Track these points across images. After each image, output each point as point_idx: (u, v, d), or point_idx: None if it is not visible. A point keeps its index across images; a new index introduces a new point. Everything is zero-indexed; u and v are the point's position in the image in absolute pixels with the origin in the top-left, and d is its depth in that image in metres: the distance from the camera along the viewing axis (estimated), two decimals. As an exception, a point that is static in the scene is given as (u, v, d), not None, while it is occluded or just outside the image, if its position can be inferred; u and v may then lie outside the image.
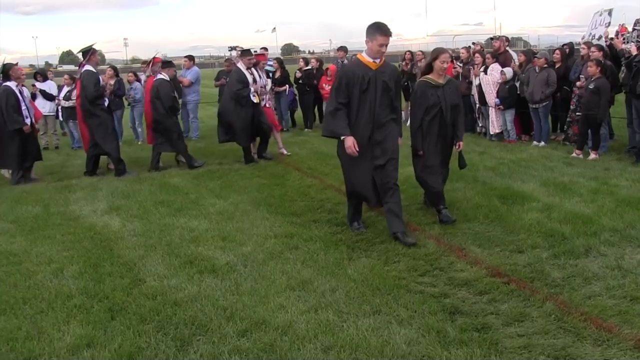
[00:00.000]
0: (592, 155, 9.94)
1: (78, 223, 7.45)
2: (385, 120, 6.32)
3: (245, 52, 11.38)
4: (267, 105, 11.89)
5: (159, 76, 10.79)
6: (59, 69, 67.83)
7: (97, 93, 10.00)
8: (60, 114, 14.26)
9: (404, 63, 16.09)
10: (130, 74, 14.56)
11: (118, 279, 5.49)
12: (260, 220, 7.16)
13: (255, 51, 12.45)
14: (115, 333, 4.39)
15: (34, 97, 13.66)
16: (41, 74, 15.02)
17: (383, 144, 6.29)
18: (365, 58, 6.30)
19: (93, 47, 10.33)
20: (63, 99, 13.91)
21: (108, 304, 4.92)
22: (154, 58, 11.88)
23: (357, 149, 6.09)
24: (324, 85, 15.02)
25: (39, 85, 14.32)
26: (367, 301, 4.76)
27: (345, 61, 15.38)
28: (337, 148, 6.45)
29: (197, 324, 4.50)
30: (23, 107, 10.04)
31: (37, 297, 5.12)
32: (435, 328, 4.24)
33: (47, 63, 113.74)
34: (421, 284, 5.11)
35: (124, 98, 14.31)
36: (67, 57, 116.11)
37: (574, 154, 10.19)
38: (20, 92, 10.14)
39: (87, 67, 10.10)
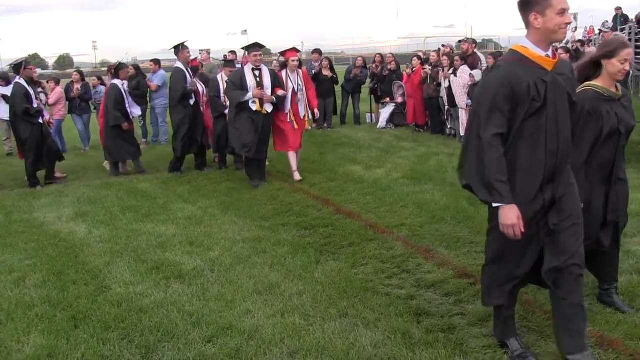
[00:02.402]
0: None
1: (42, 230, 7.32)
2: (567, 160, 3.66)
3: (252, 47, 9.35)
4: (293, 119, 9.54)
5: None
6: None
7: (184, 91, 10.09)
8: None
9: (374, 65, 16.17)
10: (94, 78, 14.38)
11: (83, 286, 5.40)
12: (228, 225, 7.12)
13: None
14: (79, 342, 4.32)
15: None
16: (3, 78, 14.65)
17: (561, 205, 3.61)
18: (534, 51, 3.50)
19: (183, 43, 10.48)
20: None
21: (72, 312, 4.83)
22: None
23: (522, 229, 3.48)
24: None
25: (1, 90, 13.99)
26: (334, 304, 4.74)
27: (315, 64, 15.36)
28: (489, 215, 3.87)
29: (163, 331, 4.44)
30: None
31: (-5, 308, 5.01)
32: (401, 330, 4.24)
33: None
34: (388, 286, 5.12)
35: (90, 102, 14.11)
36: (33, 60, 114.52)
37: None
38: None
39: (177, 64, 10.35)
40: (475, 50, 13.51)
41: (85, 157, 13.02)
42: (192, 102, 10.21)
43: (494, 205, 3.54)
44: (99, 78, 14.32)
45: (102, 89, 14.05)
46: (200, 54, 18.47)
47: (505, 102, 3.43)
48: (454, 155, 10.78)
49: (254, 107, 8.94)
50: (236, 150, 9.27)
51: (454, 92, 12.15)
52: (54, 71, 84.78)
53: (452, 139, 12.75)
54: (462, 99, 12.01)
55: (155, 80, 14.26)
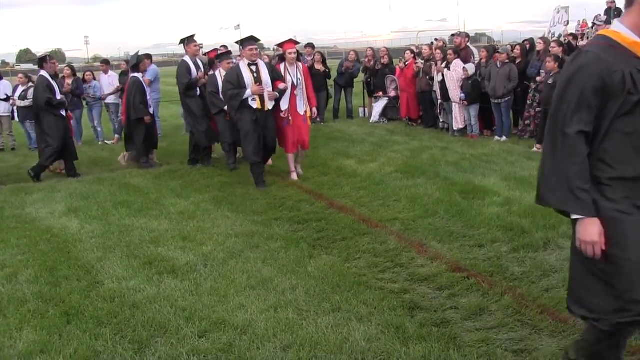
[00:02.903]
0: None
1: (34, 226, 7.29)
2: None
3: (246, 41, 8.98)
4: (303, 116, 9.15)
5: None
6: (16, 67, 66.36)
7: (188, 82, 10.17)
8: (16, 114, 13.92)
9: (366, 59, 16.15)
10: (88, 73, 14.31)
11: (75, 282, 5.39)
12: (221, 220, 7.10)
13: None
14: (71, 338, 4.31)
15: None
16: (-4, 74, 14.64)
17: None
18: (628, 36, 2.94)
19: (191, 36, 10.57)
20: (18, 99, 13.56)
21: (64, 308, 4.82)
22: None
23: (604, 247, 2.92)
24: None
25: (-6, 86, 13.97)
26: (327, 299, 4.74)
27: (308, 58, 15.33)
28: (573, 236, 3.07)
29: (156, 326, 4.44)
30: None
31: (-13, 304, 4.98)
32: (394, 324, 4.24)
33: (3, 62, 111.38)
34: (381, 280, 5.12)
35: (82, 97, 14.05)
36: (24, 55, 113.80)
37: (534, 149, 10.31)
38: None
39: (185, 57, 10.48)
40: (468, 44, 13.52)
41: (78, 152, 12.92)
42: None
43: (573, 217, 2.97)
44: (92, 73, 14.25)
45: (95, 84, 14.01)
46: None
47: (594, 96, 2.86)
48: (447, 149, 10.80)
49: (255, 104, 8.41)
50: (248, 158, 8.75)
51: (447, 86, 12.14)
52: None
53: (445, 133, 12.74)
54: (455, 93, 12.00)
55: (148, 75, 14.17)
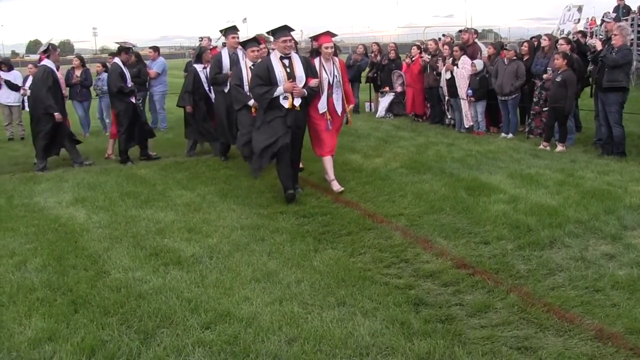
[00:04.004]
0: (559, 148, 10.07)
1: (42, 215, 7.33)
2: None
3: (279, 30, 7.60)
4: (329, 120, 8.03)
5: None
6: (25, 58, 66.52)
7: (213, 75, 9.98)
8: (26, 104, 13.97)
9: (372, 54, 16.12)
10: (99, 65, 14.32)
11: (82, 271, 5.42)
12: (227, 212, 7.13)
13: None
14: (78, 326, 4.34)
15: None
16: (6, 63, 14.66)
17: None
18: None
19: (231, 27, 10.24)
20: (29, 89, 13.61)
21: (71, 296, 4.86)
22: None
23: None
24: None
25: (3, 75, 13.97)
26: (332, 293, 4.76)
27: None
28: None
29: (161, 316, 4.46)
30: None
31: (-3, 290, 5.03)
32: (399, 319, 4.26)
33: (13, 52, 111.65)
34: (386, 275, 5.14)
35: (91, 89, 14.08)
36: (34, 46, 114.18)
37: (541, 146, 10.30)
38: None
39: (223, 50, 10.24)
40: (476, 40, 13.48)
41: (85, 143, 12.93)
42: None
43: None
44: (104, 65, 14.26)
45: (105, 76, 14.02)
46: (200, 40, 18.40)
47: None
48: (453, 145, 10.79)
49: (286, 103, 7.40)
50: (253, 163, 7.81)
51: (456, 83, 12.10)
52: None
53: (451, 129, 12.72)
54: (463, 90, 11.98)
55: (155, 67, 14.21)
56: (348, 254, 5.66)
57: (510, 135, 11.44)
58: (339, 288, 4.84)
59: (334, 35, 8.13)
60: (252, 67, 8.37)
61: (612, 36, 9.43)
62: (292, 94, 7.38)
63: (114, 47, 14.78)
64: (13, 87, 13.90)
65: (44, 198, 8.14)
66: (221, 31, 10.29)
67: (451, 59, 12.24)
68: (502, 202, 7.06)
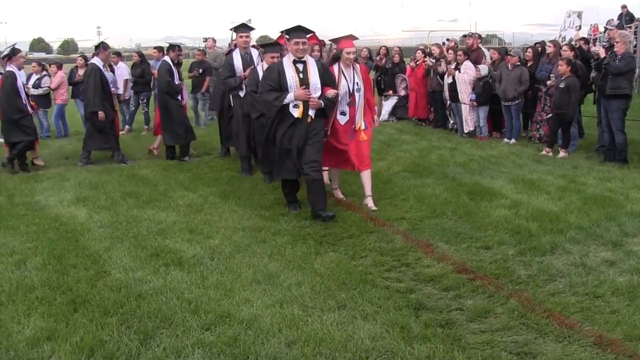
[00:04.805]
0: (562, 154, 10.06)
1: (43, 214, 7.33)
2: None
3: (293, 32, 6.95)
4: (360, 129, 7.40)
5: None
6: (29, 56, 66.68)
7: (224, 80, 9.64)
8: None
9: (377, 58, 16.13)
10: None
11: (82, 270, 5.42)
12: (228, 213, 7.12)
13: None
14: (78, 326, 4.34)
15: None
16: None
17: None
18: None
19: (242, 24, 9.75)
20: (32, 87, 13.65)
21: (71, 296, 4.86)
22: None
23: None
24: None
25: (7, 72, 14.00)
26: (332, 296, 4.76)
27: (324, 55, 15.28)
28: None
29: (161, 317, 4.46)
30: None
31: (-4, 289, 5.03)
32: (399, 323, 4.26)
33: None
34: (387, 279, 5.13)
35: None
36: (37, 44, 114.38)
37: (543, 152, 10.29)
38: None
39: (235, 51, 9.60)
40: (480, 45, 13.48)
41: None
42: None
43: None
44: (108, 65, 14.27)
45: (110, 75, 14.02)
46: (204, 41, 18.43)
47: None
48: (455, 150, 10.79)
49: (296, 112, 6.74)
50: (273, 173, 7.38)
51: (458, 88, 12.09)
52: (58, 55, 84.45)
53: (454, 134, 12.72)
54: (465, 94, 11.97)
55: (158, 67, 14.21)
56: (349, 257, 5.66)
57: (513, 140, 11.43)
58: (339, 291, 4.84)
59: (355, 38, 7.55)
60: None
61: (615, 43, 9.43)
62: (304, 102, 6.71)
63: (117, 46, 14.77)
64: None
65: (45, 197, 8.14)
66: (231, 29, 9.81)
67: (454, 63, 12.24)
68: (504, 207, 7.05)
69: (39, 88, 13.44)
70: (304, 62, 6.83)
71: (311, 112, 6.78)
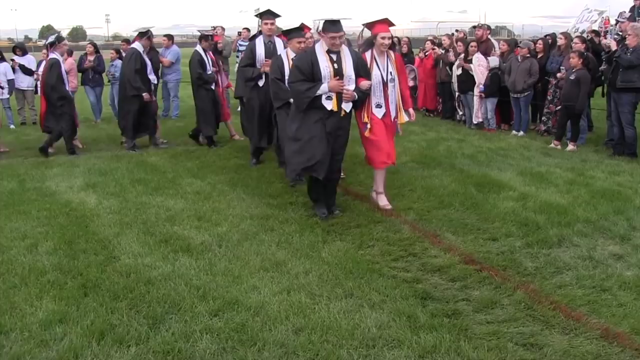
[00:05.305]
0: (570, 147, 10.04)
1: (54, 199, 7.39)
2: None
3: (329, 24, 6.30)
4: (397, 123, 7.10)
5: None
6: (38, 43, 66.76)
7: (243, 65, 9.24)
8: (39, 89, 14.03)
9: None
10: (113, 52, 14.37)
11: (92, 255, 5.48)
12: (236, 201, 7.16)
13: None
14: (88, 309, 4.40)
15: (13, 71, 13.46)
16: (20, 47, 14.72)
17: None
18: None
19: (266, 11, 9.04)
20: (41, 74, 13.69)
21: (81, 280, 4.92)
22: None
23: None
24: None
25: (18, 59, 14.05)
26: (339, 284, 4.79)
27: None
28: None
29: (170, 303, 4.51)
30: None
31: (10, 272, 5.10)
32: (406, 313, 4.29)
33: (26, 37, 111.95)
34: (394, 268, 5.16)
35: (104, 75, 14.13)
36: (47, 31, 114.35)
37: (552, 145, 10.27)
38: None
39: (258, 39, 9.05)
40: (489, 37, 13.43)
41: (97, 129, 13.11)
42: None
43: None
44: (117, 51, 14.31)
45: (119, 62, 14.05)
46: (212, 29, 18.38)
47: None
48: (463, 142, 10.78)
49: (330, 105, 6.27)
50: (295, 169, 6.56)
51: (476, 79, 12.02)
52: (67, 43, 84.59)
53: (462, 125, 12.70)
54: (476, 86, 11.94)
55: (169, 56, 14.27)
56: (356, 246, 5.69)
57: (522, 132, 11.41)
58: (346, 280, 4.87)
59: (391, 24, 6.83)
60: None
61: (627, 36, 9.38)
62: (338, 94, 6.25)
63: (126, 34, 14.81)
64: (27, 71, 13.94)
65: (56, 182, 8.19)
66: (257, 15, 9.30)
67: (463, 54, 12.21)
68: (512, 199, 7.06)
69: (49, 74, 13.47)
70: (338, 52, 6.34)
71: (345, 106, 6.34)
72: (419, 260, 5.35)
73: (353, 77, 6.30)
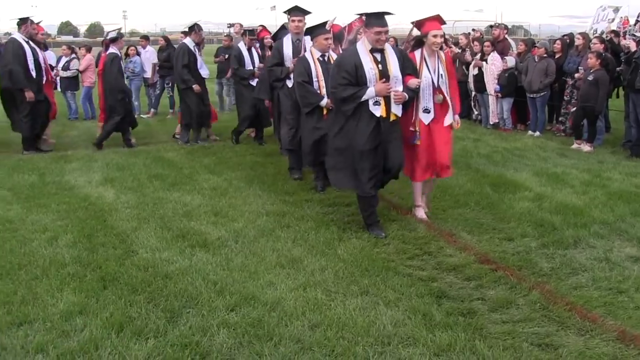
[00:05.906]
0: (587, 148, 9.99)
1: (73, 193, 7.48)
2: None
3: (372, 17, 5.73)
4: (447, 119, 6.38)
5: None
6: (57, 39, 67.29)
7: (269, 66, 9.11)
8: (58, 84, 14.17)
9: (403, 47, 16.03)
10: (132, 48, 14.47)
11: (111, 249, 5.55)
12: (252, 198, 7.21)
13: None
14: (107, 302, 4.46)
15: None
16: (42, 43, 14.85)
17: None
18: None
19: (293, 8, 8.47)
20: (62, 70, 13.86)
21: (101, 273, 4.98)
22: None
23: None
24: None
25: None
26: (355, 281, 4.82)
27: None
28: None
29: (187, 297, 4.56)
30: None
31: (32, 264, 5.18)
32: (421, 311, 4.31)
33: (45, 33, 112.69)
34: (410, 267, 5.18)
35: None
36: (65, 27, 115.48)
37: (574, 145, 10.20)
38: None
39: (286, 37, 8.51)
40: (506, 36, 13.38)
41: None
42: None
43: None
44: (135, 48, 14.42)
45: (137, 59, 14.15)
46: (230, 27, 18.45)
47: None
48: (479, 141, 10.77)
49: (378, 111, 5.71)
50: (343, 185, 6.19)
51: (485, 79, 12.03)
52: (85, 39, 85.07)
53: (478, 125, 12.67)
54: (491, 86, 11.92)
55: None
56: (372, 244, 5.71)
57: (538, 133, 11.37)
58: (362, 277, 4.90)
59: (443, 22, 6.32)
60: (321, 59, 7.22)
61: (647, 37, 9.33)
62: (386, 98, 5.73)
63: (143, 30, 14.92)
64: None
65: (74, 177, 8.29)
66: (285, 12, 8.51)
67: (479, 54, 12.18)
68: (527, 199, 7.05)
69: (67, 70, 13.64)
70: (382, 51, 5.76)
71: (395, 110, 5.80)
72: (434, 259, 5.36)
73: (399, 77, 5.79)
